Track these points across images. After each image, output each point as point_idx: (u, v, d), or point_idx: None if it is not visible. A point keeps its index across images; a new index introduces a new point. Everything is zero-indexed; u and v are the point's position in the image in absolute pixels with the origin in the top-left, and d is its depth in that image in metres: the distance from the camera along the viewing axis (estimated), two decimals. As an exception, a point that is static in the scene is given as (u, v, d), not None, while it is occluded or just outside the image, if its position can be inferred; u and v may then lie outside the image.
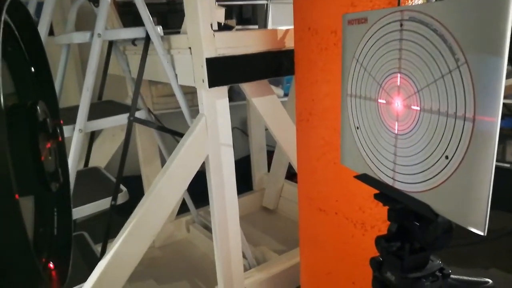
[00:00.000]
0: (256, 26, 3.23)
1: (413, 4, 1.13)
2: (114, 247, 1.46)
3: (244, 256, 2.05)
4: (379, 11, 0.61)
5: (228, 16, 3.30)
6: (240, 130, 3.97)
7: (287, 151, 1.87)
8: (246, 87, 1.67)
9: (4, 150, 0.29)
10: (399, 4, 1.13)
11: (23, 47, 0.50)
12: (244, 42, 1.47)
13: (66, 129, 1.49)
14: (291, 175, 2.84)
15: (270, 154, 2.99)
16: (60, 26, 2.68)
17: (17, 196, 0.30)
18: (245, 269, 1.96)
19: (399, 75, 0.58)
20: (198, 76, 1.44)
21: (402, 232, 0.65)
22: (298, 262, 1.62)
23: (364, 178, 0.70)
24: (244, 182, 3.08)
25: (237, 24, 3.35)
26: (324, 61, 1.24)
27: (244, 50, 1.47)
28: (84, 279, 1.49)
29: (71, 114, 1.56)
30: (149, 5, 2.94)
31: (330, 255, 1.45)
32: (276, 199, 2.85)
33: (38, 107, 0.41)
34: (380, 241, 0.65)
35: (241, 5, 3.32)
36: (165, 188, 1.51)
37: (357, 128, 0.70)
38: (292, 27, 1.39)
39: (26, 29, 0.48)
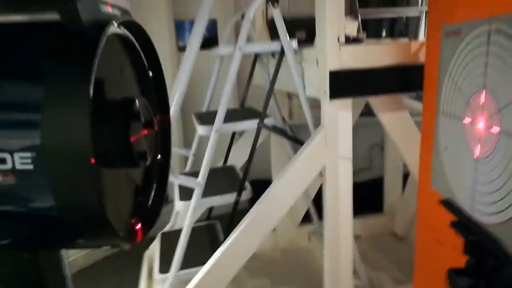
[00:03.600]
0: (407, 39, 3.06)
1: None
2: (231, 238, 1.62)
3: (358, 277, 1.99)
4: (470, 23, 0.56)
5: (377, 28, 3.23)
6: (381, 148, 3.79)
7: (415, 173, 1.73)
8: (374, 101, 1.63)
9: (86, 126, 0.42)
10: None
11: (142, 56, 0.65)
12: (372, 55, 1.45)
13: (206, 129, 1.74)
14: (428, 201, 2.58)
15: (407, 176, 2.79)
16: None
17: (92, 160, 0.43)
18: (357, 289, 1.90)
19: (483, 92, 0.53)
20: (322, 87, 1.49)
21: (480, 269, 0.57)
22: (415, 297, 1.49)
23: (447, 204, 0.64)
24: (377, 203, 2.94)
25: (388, 36, 3.24)
26: (452, 78, 1.13)
27: (371, 63, 1.44)
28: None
29: (213, 117, 1.80)
30: (298, 20, 3.11)
31: (445, 294, 1.30)
32: (407, 226, 2.64)
33: (136, 103, 0.55)
34: (451, 274, 0.58)
35: (394, 18, 3.20)
36: (281, 191, 1.60)
37: (445, 149, 0.65)
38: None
39: (144, 42, 0.63)
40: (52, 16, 0.48)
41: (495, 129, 0.50)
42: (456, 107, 0.61)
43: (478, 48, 0.54)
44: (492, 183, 0.51)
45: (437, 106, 0.69)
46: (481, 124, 0.54)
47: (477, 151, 0.55)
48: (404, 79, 1.47)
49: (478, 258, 0.58)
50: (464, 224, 0.58)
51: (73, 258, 2.45)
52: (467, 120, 0.58)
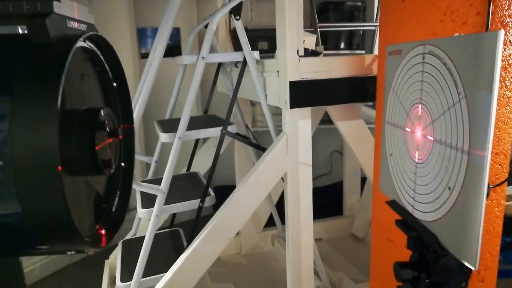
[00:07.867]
0: (363, 52, 3.22)
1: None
2: (194, 243, 1.64)
3: (319, 278, 2.06)
4: (409, 44, 0.63)
5: (336, 41, 3.37)
6: (340, 153, 3.94)
7: (370, 177, 1.83)
8: (332, 110, 1.71)
9: (54, 135, 0.44)
10: (487, 28, 1.07)
11: (107, 68, 0.67)
12: (329, 67, 1.53)
13: (169, 136, 1.75)
14: (384, 204, 2.72)
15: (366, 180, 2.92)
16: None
17: (59, 168, 0.45)
18: (318, 290, 1.96)
19: (420, 105, 0.60)
20: (282, 97, 1.55)
21: (422, 262, 0.64)
22: (372, 294, 1.57)
23: (393, 204, 0.71)
24: (337, 206, 3.06)
25: (346, 49, 3.39)
26: (401, 89, 1.23)
27: (328, 74, 1.53)
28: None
29: (176, 124, 1.81)
30: (261, 30, 3.17)
31: (398, 290, 1.39)
32: (365, 228, 2.76)
33: (101, 112, 0.57)
34: (396, 267, 0.65)
35: (351, 31, 3.36)
36: (243, 197, 1.64)
37: (391, 155, 0.72)
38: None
39: (109, 54, 0.65)
40: (21, 30, 0.49)
41: (430, 138, 0.57)
42: (399, 117, 0.68)
43: (415, 66, 0.61)
44: (428, 185, 0.58)
45: (383, 116, 0.76)
46: (418, 133, 0.61)
47: (416, 157, 0.62)
48: (359, 90, 1.56)
49: (420, 252, 0.64)
50: (407, 222, 0.65)
51: (30, 268, 2.35)
52: (408, 129, 0.64)
